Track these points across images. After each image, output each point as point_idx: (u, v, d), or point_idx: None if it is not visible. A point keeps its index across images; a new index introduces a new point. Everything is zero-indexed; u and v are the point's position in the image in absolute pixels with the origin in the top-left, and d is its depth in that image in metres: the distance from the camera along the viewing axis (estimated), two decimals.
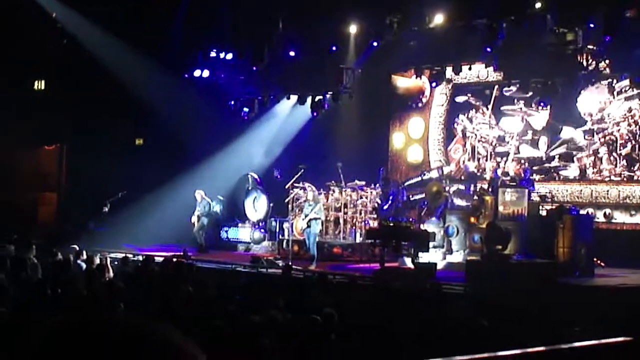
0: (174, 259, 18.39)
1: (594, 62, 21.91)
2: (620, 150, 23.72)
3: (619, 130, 23.74)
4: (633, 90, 23.27)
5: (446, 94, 27.21)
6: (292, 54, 25.30)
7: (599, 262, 20.60)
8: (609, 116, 23.89)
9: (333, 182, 24.76)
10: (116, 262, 18.71)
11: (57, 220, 29.02)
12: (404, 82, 27.51)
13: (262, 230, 26.04)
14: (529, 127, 25.47)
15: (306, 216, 22.33)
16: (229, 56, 26.76)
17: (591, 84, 23.28)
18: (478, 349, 6.26)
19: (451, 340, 9.18)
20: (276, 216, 25.50)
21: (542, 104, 23.54)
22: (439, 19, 22.29)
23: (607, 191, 23.82)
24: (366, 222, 24.24)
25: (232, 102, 27.58)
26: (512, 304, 13.97)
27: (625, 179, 23.62)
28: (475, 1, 21.99)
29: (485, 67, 24.74)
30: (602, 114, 23.97)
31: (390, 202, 23.97)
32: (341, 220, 24.49)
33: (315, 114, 25.96)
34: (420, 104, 27.69)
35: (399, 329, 10.04)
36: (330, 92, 25.32)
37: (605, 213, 23.68)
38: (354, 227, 24.50)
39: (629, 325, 9.87)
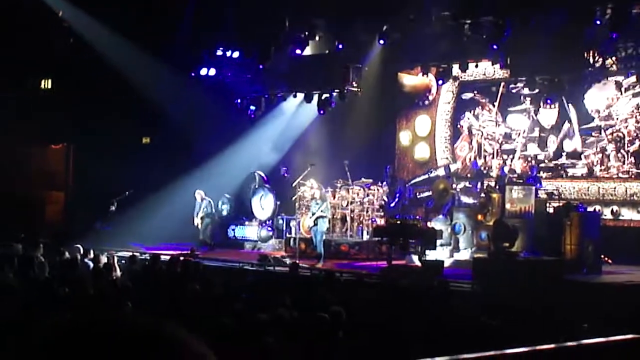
0: (181, 258, 18.41)
1: (600, 59, 21.86)
2: (628, 147, 23.63)
3: (626, 127, 23.65)
4: None
5: (453, 92, 27.17)
6: (298, 52, 25.29)
7: (606, 259, 20.57)
8: (617, 113, 23.82)
9: (340, 180, 24.74)
10: (123, 261, 18.74)
11: (64, 219, 29.04)
12: (410, 79, 27.49)
13: (269, 229, 26.06)
14: (536, 124, 25.42)
15: (313, 214, 22.34)
16: (236, 54, 26.75)
17: (597, 81, 23.20)
18: (485, 346, 6.25)
19: (458, 338, 9.18)
20: (283, 214, 25.51)
21: (548, 101, 23.51)
22: (445, 16, 22.27)
23: (615, 188, 23.76)
24: (373, 220, 24.21)
25: (239, 101, 27.61)
26: (519, 302, 13.97)
27: (633, 176, 23.55)
28: None
29: (492, 64, 24.71)
30: (609, 111, 23.91)
31: (397, 199, 23.99)
32: (348, 218, 24.46)
33: (322, 112, 25.96)
34: (426, 102, 27.66)
35: (406, 326, 10.04)
36: (337, 90, 25.30)
37: (612, 210, 23.62)
38: (361, 225, 24.48)
39: (636, 322, 9.85)
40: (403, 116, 28.38)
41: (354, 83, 24.95)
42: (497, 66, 24.25)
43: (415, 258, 20.27)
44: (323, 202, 22.39)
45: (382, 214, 24.07)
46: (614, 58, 22.13)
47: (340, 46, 24.70)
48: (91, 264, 16.97)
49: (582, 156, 24.43)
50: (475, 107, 26.83)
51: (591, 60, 21.44)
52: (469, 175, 25.70)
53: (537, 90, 23.35)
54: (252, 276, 18.58)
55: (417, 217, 22.40)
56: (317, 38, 25.18)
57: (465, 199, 22.95)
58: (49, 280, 13.36)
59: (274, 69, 25.97)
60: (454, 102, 27.24)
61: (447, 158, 27.16)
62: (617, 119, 23.80)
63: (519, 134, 25.87)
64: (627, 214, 23.51)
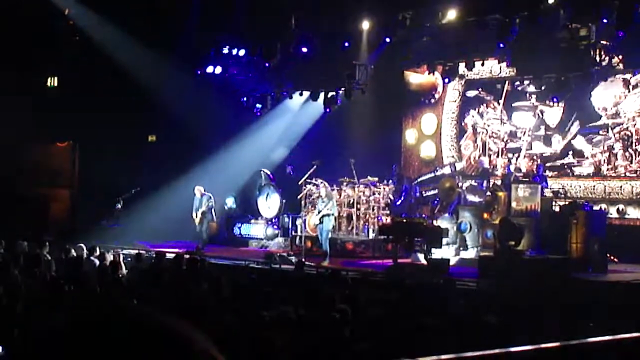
0: (186, 255, 18.42)
1: (607, 58, 21.80)
2: (636, 145, 23.55)
3: (634, 125, 23.57)
4: None
5: (459, 90, 27.15)
6: (304, 50, 25.28)
7: (612, 257, 20.57)
8: (624, 111, 23.74)
9: (346, 178, 24.74)
10: (129, 259, 18.76)
11: (70, 217, 29.08)
12: (416, 78, 27.48)
13: (275, 227, 26.07)
14: (542, 122, 25.38)
15: (319, 212, 22.34)
16: (242, 52, 26.72)
17: (604, 80, 23.13)
18: (490, 344, 6.25)
19: (463, 336, 9.17)
20: (289, 212, 25.51)
21: (554, 99, 23.48)
22: (451, 14, 22.24)
23: (621, 187, 23.71)
24: (379, 218, 24.21)
25: (245, 99, 27.62)
26: (525, 300, 13.96)
27: (639, 175, 23.50)
28: None
29: (498, 63, 24.69)
30: (617, 109, 23.84)
31: (403, 198, 23.98)
32: (354, 217, 24.48)
33: (328, 110, 25.97)
34: (432, 100, 27.65)
35: (412, 324, 10.03)
36: (343, 89, 25.29)
37: (618, 209, 23.59)
38: (366, 223, 24.47)
39: None
40: (409, 114, 28.37)
41: (360, 81, 24.93)
42: (504, 64, 24.25)
43: (421, 256, 20.27)
44: (329, 200, 22.38)
45: (388, 212, 24.07)
46: (620, 57, 22.09)
47: (347, 44, 24.68)
48: (97, 262, 17.00)
49: (589, 155, 24.37)
50: (480, 105, 26.80)
51: (597, 59, 21.39)
52: (472, 173, 25.70)
53: (543, 87, 23.31)
54: (258, 274, 18.58)
55: (423, 215, 22.43)
56: (323, 36, 25.16)
57: (471, 198, 22.95)
58: (54, 278, 13.38)
59: (280, 66, 25.96)
60: (460, 100, 27.22)
61: (453, 156, 27.14)
62: (625, 117, 23.72)
63: (525, 132, 25.82)
64: (633, 212, 23.46)
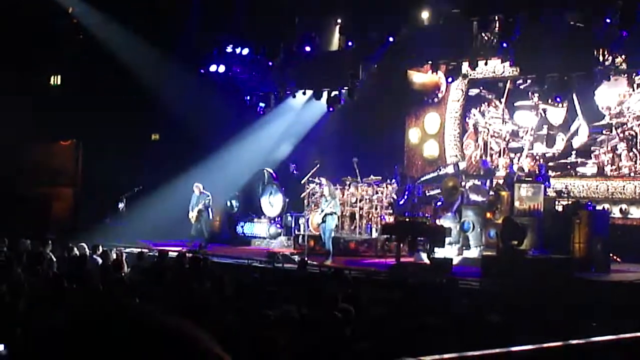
0: (188, 254, 18.43)
1: (610, 58, 21.77)
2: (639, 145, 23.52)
3: (638, 124, 23.51)
4: None
5: (462, 90, 27.11)
6: (307, 49, 25.26)
7: (614, 257, 20.55)
8: (628, 110, 23.67)
9: (349, 177, 24.74)
10: (132, 257, 18.77)
11: (73, 215, 29.08)
12: (419, 77, 27.43)
13: (278, 226, 26.08)
14: (544, 122, 25.34)
15: (322, 211, 22.33)
16: (245, 51, 26.72)
17: (607, 80, 23.07)
18: (492, 344, 6.24)
19: (466, 336, 9.16)
20: (292, 211, 25.52)
21: (557, 99, 23.45)
22: (455, 13, 22.22)
23: (624, 187, 23.67)
24: (382, 217, 24.22)
25: (248, 98, 27.64)
26: (528, 300, 13.95)
27: None
28: None
29: (502, 62, 24.65)
30: (620, 108, 23.76)
31: (406, 197, 23.95)
32: (357, 216, 24.49)
33: (331, 109, 25.96)
34: (436, 100, 27.61)
35: (415, 324, 10.02)
36: (346, 88, 25.27)
37: (621, 208, 23.55)
38: (369, 223, 24.48)
39: None
40: (412, 114, 28.34)
41: (363, 80, 24.92)
42: (507, 64, 24.18)
43: (424, 256, 20.26)
44: (332, 199, 22.37)
45: (391, 211, 24.08)
46: (623, 56, 22.05)
47: (350, 43, 24.67)
48: (100, 260, 17.01)
49: (592, 155, 24.32)
50: (482, 104, 26.77)
51: (601, 59, 21.36)
52: (474, 173, 25.69)
53: (545, 87, 23.26)
54: (261, 273, 18.58)
55: (426, 214, 22.42)
56: (326, 35, 25.16)
57: (474, 197, 22.94)
58: (57, 276, 13.38)
59: (283, 65, 25.95)
60: (463, 100, 27.19)
61: (456, 156, 27.10)
62: (629, 116, 23.64)
63: (527, 131, 25.78)
64: (636, 212, 23.41)
